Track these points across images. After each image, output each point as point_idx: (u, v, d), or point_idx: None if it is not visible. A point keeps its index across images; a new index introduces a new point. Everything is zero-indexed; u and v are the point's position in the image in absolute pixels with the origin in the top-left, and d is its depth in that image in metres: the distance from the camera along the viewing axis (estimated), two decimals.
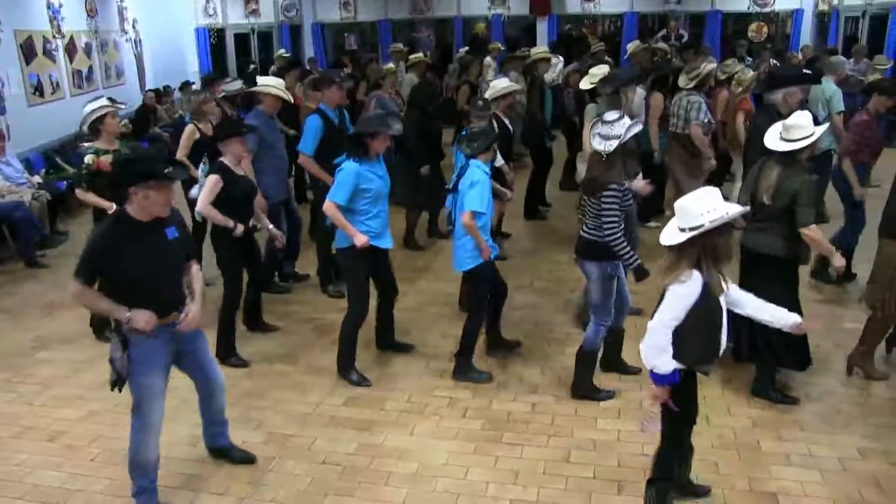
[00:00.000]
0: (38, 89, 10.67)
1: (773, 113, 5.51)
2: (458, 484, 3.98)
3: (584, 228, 4.65)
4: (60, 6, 11.31)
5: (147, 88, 13.62)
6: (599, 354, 4.89)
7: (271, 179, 6.26)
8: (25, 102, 10.33)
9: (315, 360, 5.45)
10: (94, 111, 5.64)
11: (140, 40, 14.27)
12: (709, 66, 7.44)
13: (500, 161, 6.44)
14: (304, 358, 5.48)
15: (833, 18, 14.92)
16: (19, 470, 4.21)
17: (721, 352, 3.33)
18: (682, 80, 7.40)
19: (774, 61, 12.42)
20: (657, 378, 3.22)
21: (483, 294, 5.07)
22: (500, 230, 7.74)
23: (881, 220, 4.97)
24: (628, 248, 4.41)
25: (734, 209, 3.16)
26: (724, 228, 3.16)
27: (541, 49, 9.99)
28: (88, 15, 12.31)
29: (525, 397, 4.84)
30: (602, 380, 4.93)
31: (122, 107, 5.76)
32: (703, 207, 3.11)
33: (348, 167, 4.82)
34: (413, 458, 4.21)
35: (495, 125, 6.43)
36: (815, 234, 4.41)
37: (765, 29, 16.16)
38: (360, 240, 4.80)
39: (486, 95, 7.12)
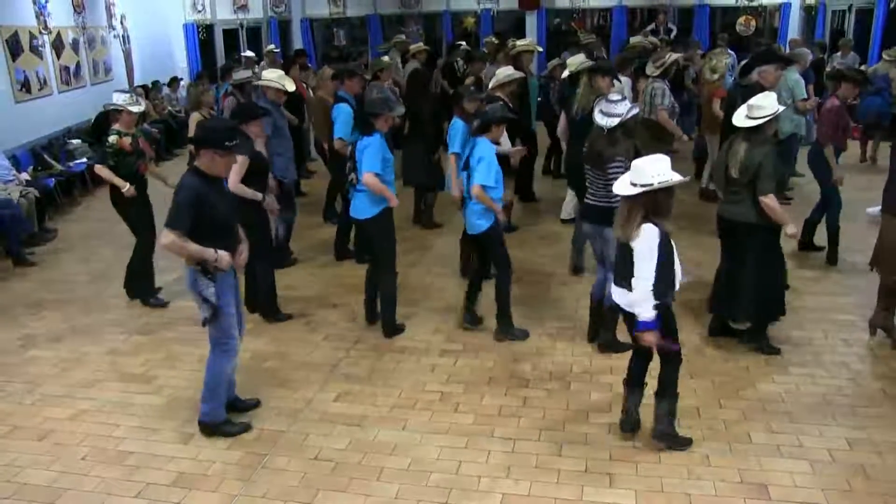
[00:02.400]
0: (25, 86, 10.59)
1: (754, 92, 5.97)
2: (450, 478, 3.98)
3: (593, 198, 5.19)
4: (47, 2, 11.20)
5: (135, 84, 13.52)
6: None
7: (283, 161, 6.88)
8: (12, 99, 10.24)
9: (306, 356, 5.44)
10: (117, 104, 6.31)
11: (128, 36, 14.16)
12: (673, 55, 7.89)
13: (506, 147, 6.64)
14: (295, 354, 5.47)
15: (820, 12, 14.99)
16: (9, 469, 4.19)
17: (677, 284, 3.93)
18: (649, 69, 7.81)
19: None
20: (644, 325, 3.82)
21: (501, 253, 5.52)
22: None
23: (884, 199, 5.26)
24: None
25: (678, 177, 3.77)
26: (669, 190, 3.77)
27: (526, 41, 10.04)
28: (75, 10, 12.20)
29: (516, 391, 4.84)
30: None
31: (138, 109, 6.47)
32: (654, 170, 3.72)
33: (374, 140, 5.37)
34: (405, 453, 4.21)
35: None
36: (772, 203, 4.86)
37: (752, 22, 16.21)
38: (395, 201, 5.47)
39: (491, 83, 7.44)
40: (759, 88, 6.15)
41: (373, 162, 5.33)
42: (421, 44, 11.45)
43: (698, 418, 4.42)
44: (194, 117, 7.47)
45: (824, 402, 4.60)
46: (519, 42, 9.72)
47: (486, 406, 4.69)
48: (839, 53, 13.06)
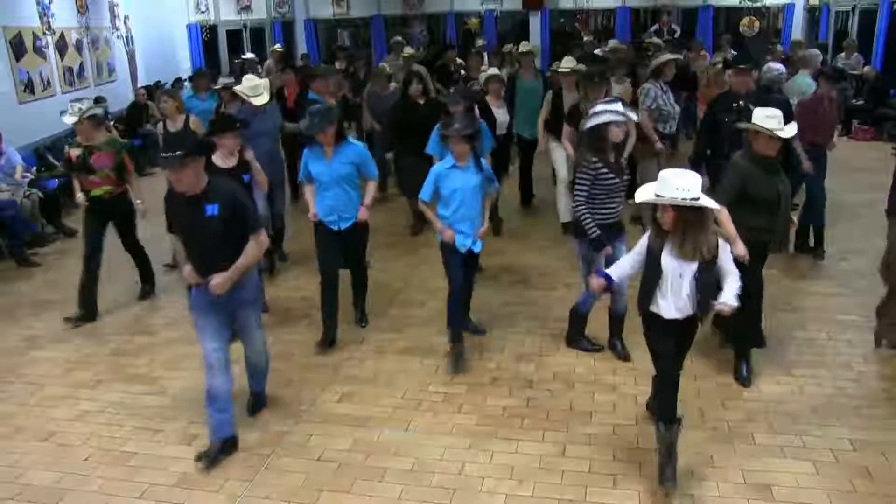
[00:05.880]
0: (29, 87, 10.61)
1: (730, 98, 6.07)
2: (453, 479, 3.98)
3: None
4: (50, 2, 11.24)
5: (139, 85, 13.55)
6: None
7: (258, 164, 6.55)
8: (15, 100, 10.26)
9: (310, 357, 5.44)
10: (70, 116, 6.04)
11: (131, 37, 14.20)
12: (664, 56, 7.77)
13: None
14: (299, 355, 5.47)
15: (824, 13, 14.98)
16: (12, 470, 4.20)
17: (652, 304, 3.73)
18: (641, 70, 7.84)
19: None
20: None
21: (448, 272, 5.28)
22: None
23: (889, 202, 5.14)
24: (589, 220, 4.84)
25: (708, 202, 3.49)
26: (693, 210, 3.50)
27: (523, 45, 9.94)
28: (79, 11, 12.23)
29: (520, 392, 4.84)
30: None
31: (99, 110, 6.28)
32: (679, 184, 3.45)
33: (304, 152, 5.50)
34: (408, 454, 4.21)
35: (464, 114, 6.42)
36: (720, 216, 4.53)
37: (756, 23, 16.18)
38: (311, 212, 5.47)
39: (477, 86, 7.59)
40: (731, 92, 6.10)
41: (300, 171, 5.53)
42: (411, 50, 11.40)
43: (702, 419, 4.41)
44: (194, 120, 7.37)
45: (828, 403, 4.59)
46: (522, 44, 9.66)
47: (490, 407, 4.68)
48: (843, 54, 13.06)
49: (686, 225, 3.53)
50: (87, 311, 6.24)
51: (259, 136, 6.63)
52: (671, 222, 3.55)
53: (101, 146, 6.11)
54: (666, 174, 3.52)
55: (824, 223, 6.95)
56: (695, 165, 6.89)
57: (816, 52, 9.41)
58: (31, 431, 4.60)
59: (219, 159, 5.47)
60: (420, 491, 3.89)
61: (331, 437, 4.40)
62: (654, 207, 3.65)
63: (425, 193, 5.12)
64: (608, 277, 3.95)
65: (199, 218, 3.97)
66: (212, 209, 3.97)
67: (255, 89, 6.91)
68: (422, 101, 7.74)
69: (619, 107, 4.84)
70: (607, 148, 4.84)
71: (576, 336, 5.39)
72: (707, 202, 3.49)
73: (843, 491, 3.77)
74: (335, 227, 5.46)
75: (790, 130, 4.56)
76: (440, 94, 9.59)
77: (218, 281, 4.01)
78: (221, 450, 4.21)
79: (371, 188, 5.61)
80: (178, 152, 3.79)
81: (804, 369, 4.99)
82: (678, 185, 3.43)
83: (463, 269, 5.28)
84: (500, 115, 7.74)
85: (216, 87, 8.85)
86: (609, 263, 4.90)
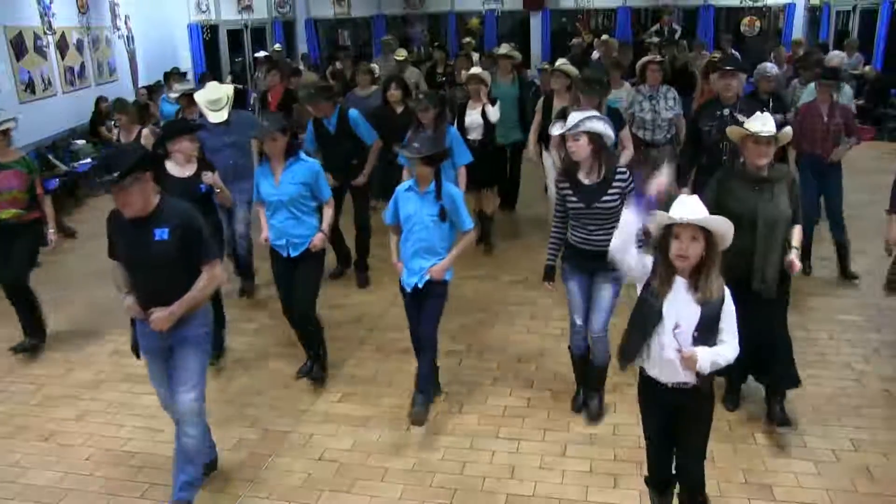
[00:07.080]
0: (30, 86, 10.61)
1: (716, 105, 5.66)
2: (454, 479, 3.98)
3: None
4: (51, 2, 11.23)
5: (140, 85, 13.55)
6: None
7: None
8: (16, 99, 10.25)
9: None
10: None
11: (132, 37, 14.19)
12: (644, 58, 7.56)
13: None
14: (299, 355, 5.46)
15: (825, 13, 14.98)
16: (13, 470, 4.20)
17: (638, 358, 3.08)
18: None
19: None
20: None
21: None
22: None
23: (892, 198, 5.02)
24: (552, 245, 4.41)
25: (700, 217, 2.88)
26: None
27: (503, 48, 9.67)
28: (80, 11, 12.21)
29: (520, 392, 4.84)
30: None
31: (10, 125, 5.57)
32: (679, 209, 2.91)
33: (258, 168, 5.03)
34: (409, 454, 4.21)
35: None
36: None
37: (757, 23, 16.18)
38: (262, 235, 4.95)
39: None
40: (717, 103, 5.67)
41: (254, 191, 5.06)
42: (402, 50, 11.13)
43: None
44: (145, 133, 6.88)
45: (828, 402, 4.59)
46: (502, 48, 9.31)
47: (490, 407, 4.69)
48: (844, 54, 13.06)
49: (708, 259, 2.92)
50: (37, 336, 5.78)
51: (222, 148, 6.05)
52: (698, 255, 2.90)
53: (9, 165, 5.47)
54: (684, 197, 2.97)
55: (811, 240, 6.56)
56: (678, 176, 6.45)
57: (837, 53, 9.19)
58: (32, 431, 4.61)
59: (174, 167, 4.99)
60: (421, 491, 3.90)
61: (331, 437, 4.41)
62: (662, 237, 2.97)
63: (388, 215, 4.52)
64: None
65: (145, 243, 3.44)
66: (161, 233, 3.43)
67: (215, 103, 6.08)
68: (399, 110, 7.18)
69: (577, 116, 4.04)
70: (576, 166, 4.14)
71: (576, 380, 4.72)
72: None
73: (844, 490, 3.77)
74: (284, 254, 4.90)
75: (785, 134, 4.06)
76: None
77: (159, 315, 3.42)
78: None
79: (328, 212, 4.99)
80: (114, 174, 3.23)
81: (805, 369, 4.95)
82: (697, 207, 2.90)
83: (417, 311, 4.52)
84: (472, 115, 7.08)
85: (173, 94, 8.04)
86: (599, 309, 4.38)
